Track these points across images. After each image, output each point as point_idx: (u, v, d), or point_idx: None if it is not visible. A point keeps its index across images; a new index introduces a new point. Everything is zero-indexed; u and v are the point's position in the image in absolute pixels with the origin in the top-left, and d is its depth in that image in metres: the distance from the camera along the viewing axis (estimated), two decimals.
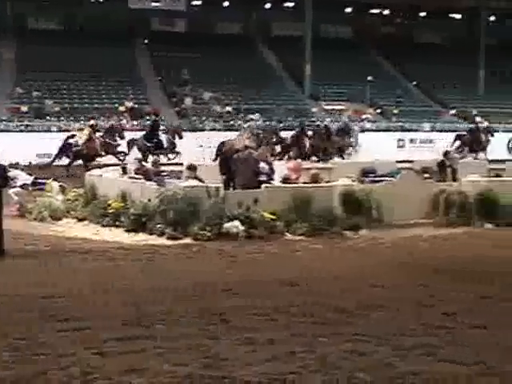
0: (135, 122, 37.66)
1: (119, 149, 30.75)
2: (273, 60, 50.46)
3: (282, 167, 19.52)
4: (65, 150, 29.55)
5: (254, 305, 9.43)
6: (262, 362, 7.19)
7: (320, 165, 22.76)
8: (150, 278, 11.12)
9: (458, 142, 37.03)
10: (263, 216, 15.15)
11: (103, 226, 16.09)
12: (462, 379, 6.80)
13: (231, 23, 51.70)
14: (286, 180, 17.69)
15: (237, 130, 32.54)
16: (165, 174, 19.62)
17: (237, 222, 14.78)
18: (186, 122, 38.96)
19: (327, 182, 18.48)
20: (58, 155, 29.77)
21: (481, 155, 35.68)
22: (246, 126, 33.96)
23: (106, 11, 46.83)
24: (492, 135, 37.40)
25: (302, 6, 47.86)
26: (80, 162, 28.93)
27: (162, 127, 32.91)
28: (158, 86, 45.24)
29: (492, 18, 53.13)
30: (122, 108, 39.26)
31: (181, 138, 32.64)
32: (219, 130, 37.08)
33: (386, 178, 19.07)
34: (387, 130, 40.94)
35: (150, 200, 15.69)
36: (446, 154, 21.33)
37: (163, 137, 31.94)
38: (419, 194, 17.13)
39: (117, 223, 15.90)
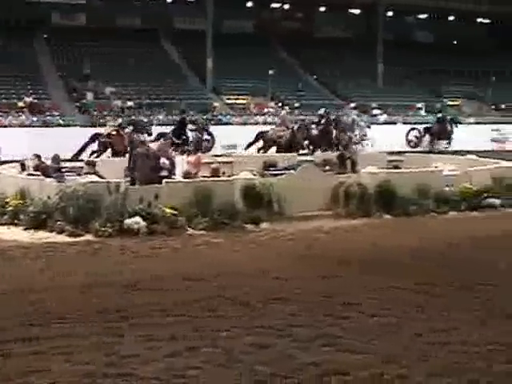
0: (35, 118, 36.94)
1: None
2: (175, 54, 50.17)
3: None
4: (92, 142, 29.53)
5: (156, 301, 9.39)
6: (163, 357, 7.19)
7: (221, 159, 22.79)
8: (50, 277, 10.91)
9: (427, 136, 38.22)
10: (164, 211, 15.09)
11: (1, 224, 15.70)
12: (362, 368, 6.93)
13: (132, 17, 51.16)
14: (186, 175, 17.65)
15: None
16: (65, 170, 19.29)
17: (138, 218, 14.67)
18: (87, 118, 38.39)
19: (229, 175, 18.54)
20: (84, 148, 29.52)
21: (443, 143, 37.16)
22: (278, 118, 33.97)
23: (5, 4, 45.64)
24: (457, 126, 38.45)
25: (204, 1, 47.79)
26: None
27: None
28: (58, 80, 44.38)
29: (390, 14, 54.18)
30: (21, 103, 38.41)
31: (209, 134, 33.88)
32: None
33: (287, 171, 19.23)
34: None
35: (49, 197, 15.40)
36: (345, 146, 21.68)
37: (190, 134, 32.34)
38: (319, 187, 17.32)
39: (16, 221, 15.55)
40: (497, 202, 18.45)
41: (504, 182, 19.33)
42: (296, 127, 30.40)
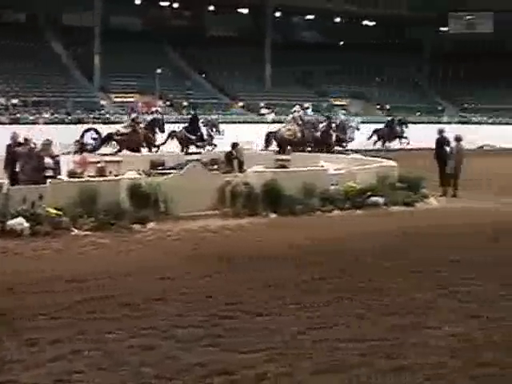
0: None
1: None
2: (62, 51, 49.23)
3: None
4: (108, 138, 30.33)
5: (38, 303, 9.20)
6: (46, 362, 7.05)
7: (108, 158, 22.52)
8: None
9: (375, 136, 38.77)
10: (48, 212, 14.80)
11: None
12: (247, 367, 6.98)
13: (17, 12, 49.99)
14: (71, 174, 17.38)
15: (26, 124, 32.20)
16: None
17: (21, 219, 14.35)
18: None
19: (116, 175, 18.34)
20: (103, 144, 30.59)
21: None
22: (290, 116, 34.11)
23: None
24: (406, 126, 39.09)
25: None
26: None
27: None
28: None
29: (278, 14, 54.75)
30: None
31: (218, 131, 34.44)
32: (4, 123, 35.74)
33: (175, 171, 19.18)
34: (177, 122, 41.07)
35: None
36: (233, 145, 21.77)
37: (203, 129, 33.67)
38: (206, 186, 17.33)
39: None
40: (380, 200, 18.88)
41: (387, 180, 19.84)
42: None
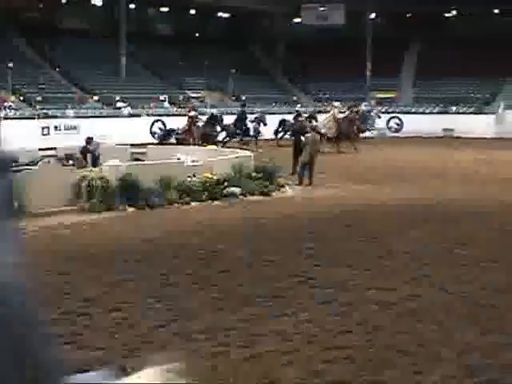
0: None
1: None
2: None
3: None
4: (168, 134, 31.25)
5: None
6: None
7: None
8: None
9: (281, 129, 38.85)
10: None
11: None
12: (102, 364, 6.88)
13: None
14: None
15: None
16: None
17: None
18: None
19: None
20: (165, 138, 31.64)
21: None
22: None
23: None
24: (265, 124, 38.85)
25: None
26: None
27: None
28: None
29: (132, 6, 54.17)
30: None
31: (265, 125, 36.90)
32: None
33: (29, 167, 18.67)
34: (31, 117, 40.07)
35: None
36: (88, 140, 21.42)
37: (250, 125, 35.90)
38: (61, 182, 17.00)
39: None
40: (237, 190, 19.06)
41: (243, 171, 20.04)
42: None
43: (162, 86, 49.78)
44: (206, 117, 32.49)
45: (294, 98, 54.44)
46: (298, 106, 44.17)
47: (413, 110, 51.32)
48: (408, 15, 59.96)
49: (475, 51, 51.03)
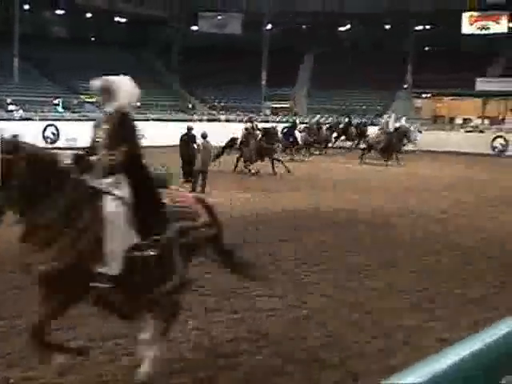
0: None
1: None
2: None
3: None
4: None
5: None
6: None
7: None
8: None
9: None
10: None
11: None
12: None
13: None
14: None
15: None
16: None
17: None
18: None
19: None
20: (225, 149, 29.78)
21: None
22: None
23: None
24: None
25: None
26: None
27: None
28: None
29: (26, 7, 53.07)
30: None
31: (315, 135, 39.16)
32: None
33: None
34: None
35: None
36: None
37: (299, 135, 37.25)
38: None
39: None
40: None
41: None
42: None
43: (56, 89, 48.94)
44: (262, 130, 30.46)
45: (189, 106, 54.47)
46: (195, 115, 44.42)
47: (306, 121, 52.04)
48: (304, 27, 60.90)
49: (368, 64, 52.29)
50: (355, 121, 46.70)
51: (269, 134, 29.61)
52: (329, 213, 18.16)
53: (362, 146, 38.72)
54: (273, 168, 28.38)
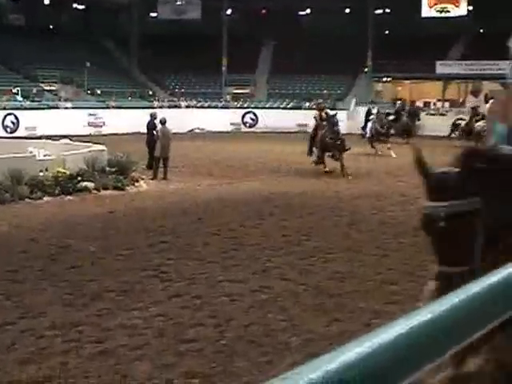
0: None
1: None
2: None
3: None
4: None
5: None
6: None
7: None
8: None
9: None
10: None
11: None
12: None
13: None
14: None
15: None
16: None
17: None
18: None
19: None
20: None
21: None
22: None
23: None
24: None
25: None
26: None
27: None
28: None
29: None
30: None
31: (419, 120, 38.94)
32: None
33: None
34: None
35: None
36: None
37: (405, 120, 36.51)
38: None
39: None
40: (90, 185, 18.80)
41: (97, 165, 19.81)
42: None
43: (15, 79, 48.32)
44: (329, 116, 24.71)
45: (150, 93, 54.18)
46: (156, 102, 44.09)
47: (267, 106, 52.09)
48: (263, 12, 60.77)
49: (328, 49, 52.33)
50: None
51: (329, 124, 24.10)
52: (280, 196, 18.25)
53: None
54: (342, 169, 23.10)
